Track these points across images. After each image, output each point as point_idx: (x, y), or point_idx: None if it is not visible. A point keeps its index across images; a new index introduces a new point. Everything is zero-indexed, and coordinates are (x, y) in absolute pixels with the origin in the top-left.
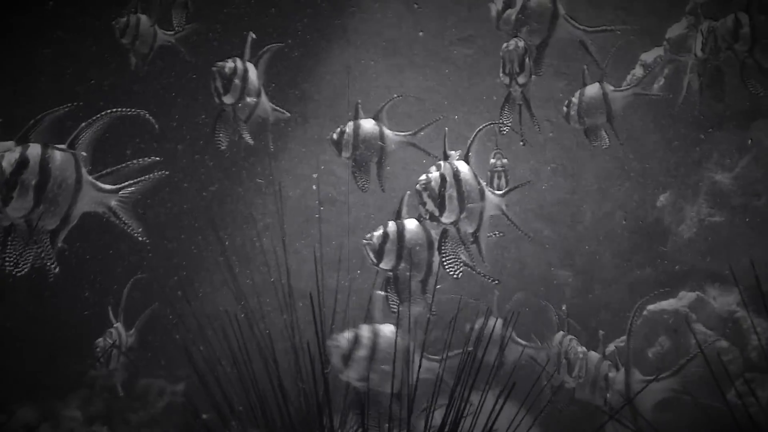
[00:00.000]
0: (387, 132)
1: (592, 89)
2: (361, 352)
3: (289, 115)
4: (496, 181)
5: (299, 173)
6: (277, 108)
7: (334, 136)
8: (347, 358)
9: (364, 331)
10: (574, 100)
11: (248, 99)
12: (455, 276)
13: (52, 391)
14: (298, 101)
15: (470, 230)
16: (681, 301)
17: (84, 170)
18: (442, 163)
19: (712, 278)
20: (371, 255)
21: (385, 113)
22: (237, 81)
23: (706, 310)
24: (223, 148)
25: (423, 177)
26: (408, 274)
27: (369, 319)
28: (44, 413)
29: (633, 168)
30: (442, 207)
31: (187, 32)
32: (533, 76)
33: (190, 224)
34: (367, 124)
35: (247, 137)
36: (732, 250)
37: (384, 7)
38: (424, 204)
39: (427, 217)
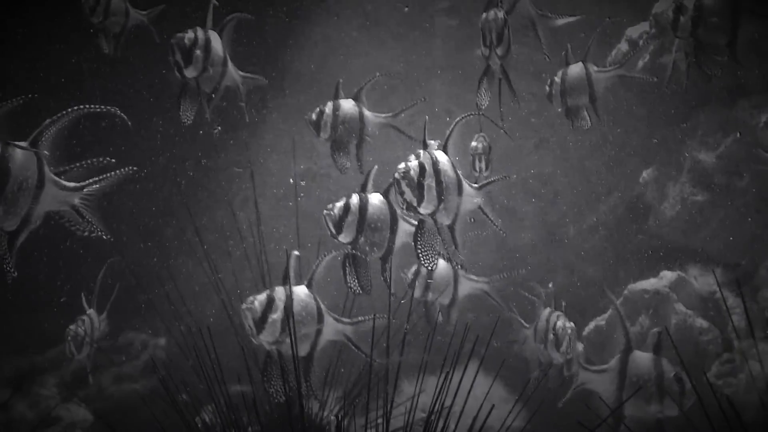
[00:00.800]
0: (367, 113)
1: (575, 69)
2: (275, 315)
3: (265, 81)
4: (477, 164)
5: (278, 147)
6: (248, 75)
7: (313, 116)
8: (262, 321)
9: (279, 293)
10: (557, 79)
11: (212, 70)
12: (429, 268)
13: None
14: (277, 72)
15: (446, 222)
16: (662, 281)
17: (47, 169)
18: (421, 152)
19: (693, 257)
20: (330, 226)
21: (365, 93)
22: (198, 52)
23: (687, 289)
24: (188, 123)
25: (402, 165)
26: (368, 248)
27: (285, 280)
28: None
29: (617, 143)
30: (420, 197)
31: (160, 11)
32: (513, 48)
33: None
34: (347, 105)
35: (209, 114)
36: (714, 230)
37: None
38: (402, 193)
39: (404, 207)
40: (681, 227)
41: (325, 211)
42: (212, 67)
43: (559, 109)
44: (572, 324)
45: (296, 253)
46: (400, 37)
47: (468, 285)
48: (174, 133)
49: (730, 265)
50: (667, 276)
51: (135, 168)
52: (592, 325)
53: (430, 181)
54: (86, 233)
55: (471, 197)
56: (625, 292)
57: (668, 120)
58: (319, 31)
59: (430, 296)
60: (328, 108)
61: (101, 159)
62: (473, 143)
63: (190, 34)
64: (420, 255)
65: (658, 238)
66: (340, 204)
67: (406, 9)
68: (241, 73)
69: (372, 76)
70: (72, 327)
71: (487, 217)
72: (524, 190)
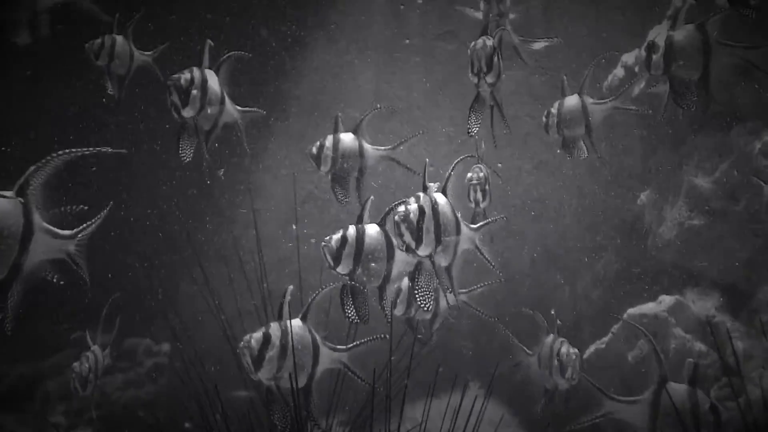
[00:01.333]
0: (367, 146)
1: (572, 101)
2: (272, 352)
3: (263, 112)
4: (472, 194)
5: (280, 172)
6: (247, 108)
7: (314, 150)
8: (259, 359)
9: (274, 329)
10: (553, 110)
11: (209, 109)
12: (426, 309)
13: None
14: (278, 99)
15: (444, 264)
16: (660, 305)
17: (37, 217)
18: (420, 194)
19: (691, 281)
20: (329, 258)
21: (364, 125)
22: (195, 91)
23: (686, 313)
24: (188, 160)
25: (402, 208)
26: (365, 279)
27: (280, 314)
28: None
29: (614, 164)
30: (419, 240)
31: (165, 51)
32: (503, 76)
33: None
34: (347, 138)
35: (207, 153)
36: (710, 254)
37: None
38: (401, 235)
39: (404, 248)
40: (678, 251)
41: (322, 244)
42: (210, 105)
43: (556, 137)
44: (576, 350)
45: (291, 287)
46: (400, 62)
47: (449, 296)
48: (176, 167)
49: (728, 289)
50: (666, 300)
51: (111, 203)
52: (592, 348)
53: (428, 225)
54: (62, 282)
55: (468, 238)
56: (624, 316)
57: (665, 143)
58: (319, 57)
59: (413, 312)
60: (329, 142)
61: (75, 207)
62: (469, 174)
63: (186, 75)
64: (417, 296)
65: (655, 261)
66: (337, 236)
67: (407, 41)
68: (239, 107)
69: (371, 108)
70: (76, 364)
71: (484, 257)
72: (523, 212)
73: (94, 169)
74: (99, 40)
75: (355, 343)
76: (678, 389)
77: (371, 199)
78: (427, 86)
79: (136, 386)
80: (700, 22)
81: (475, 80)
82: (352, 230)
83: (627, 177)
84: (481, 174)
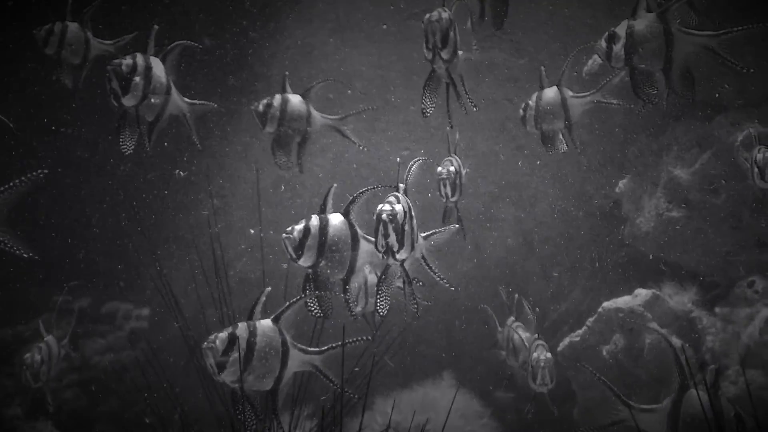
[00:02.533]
0: (314, 112)
1: (550, 93)
2: (235, 355)
3: (214, 106)
4: (442, 189)
5: (249, 155)
6: (196, 102)
7: (260, 107)
8: (223, 361)
9: (241, 330)
10: (531, 103)
11: (153, 99)
12: (382, 314)
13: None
14: (250, 80)
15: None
16: (636, 299)
17: None
18: (399, 195)
19: (668, 275)
20: (290, 250)
21: (314, 93)
22: (137, 79)
23: (662, 307)
24: (128, 153)
25: (387, 207)
26: (329, 271)
27: (250, 316)
28: None
29: (593, 150)
30: (401, 243)
31: (130, 40)
32: (461, 53)
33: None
34: (295, 100)
35: (149, 146)
36: (689, 247)
37: None
38: (387, 236)
39: (383, 251)
40: (656, 243)
41: (284, 235)
42: (153, 95)
43: (534, 131)
44: (549, 355)
45: (269, 289)
46: (375, 42)
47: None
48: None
49: (705, 283)
50: (642, 294)
51: (43, 172)
52: (566, 341)
53: (408, 227)
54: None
55: (418, 247)
56: (600, 309)
57: (645, 131)
58: (292, 35)
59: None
60: (276, 101)
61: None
62: (439, 168)
63: (128, 60)
64: (378, 300)
65: (632, 252)
66: (299, 227)
67: (384, 27)
68: (188, 100)
69: (325, 78)
70: (28, 355)
71: (430, 269)
72: (500, 197)
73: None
74: (48, 26)
75: (330, 346)
76: (698, 398)
77: (334, 186)
78: (401, 66)
79: (116, 351)
80: (662, 11)
81: (430, 56)
82: (315, 220)
83: (605, 163)
84: (452, 168)
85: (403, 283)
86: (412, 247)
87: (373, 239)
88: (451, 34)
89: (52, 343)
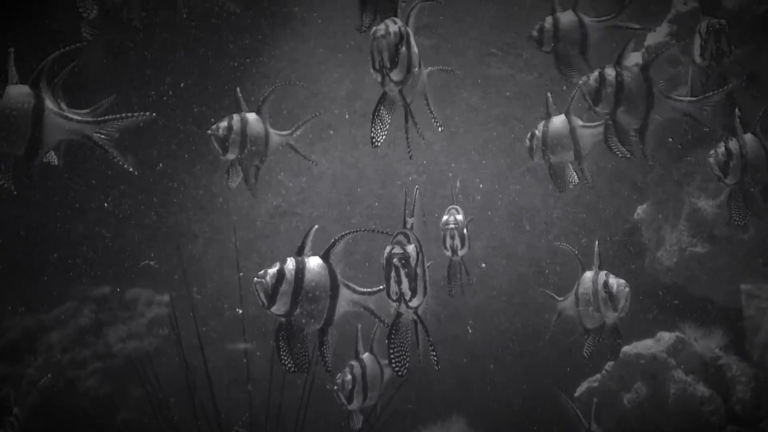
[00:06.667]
0: (270, 130)
1: (558, 122)
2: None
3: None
4: (449, 240)
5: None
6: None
7: (220, 132)
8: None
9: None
10: (538, 133)
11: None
12: (400, 374)
13: None
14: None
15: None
16: (659, 343)
17: (49, 101)
18: (408, 233)
19: (693, 315)
20: (261, 296)
21: (267, 106)
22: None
23: (687, 352)
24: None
25: (398, 250)
26: (303, 321)
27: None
28: None
29: (611, 173)
30: (414, 290)
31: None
32: (416, 70)
33: None
34: (253, 119)
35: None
36: (715, 284)
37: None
38: (400, 282)
39: (395, 299)
40: (679, 279)
41: (255, 279)
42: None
43: (542, 162)
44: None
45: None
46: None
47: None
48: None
49: (733, 324)
50: (665, 338)
51: (153, 114)
52: (584, 385)
53: (420, 270)
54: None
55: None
56: (619, 354)
57: (667, 156)
58: (286, 53)
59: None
60: (236, 123)
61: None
62: (445, 217)
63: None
64: (392, 355)
65: (653, 288)
66: (272, 270)
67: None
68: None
69: (275, 85)
70: None
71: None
72: (510, 222)
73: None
74: None
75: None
76: None
77: (315, 227)
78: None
79: (138, 338)
80: (644, 65)
81: (379, 78)
82: (290, 264)
83: (624, 187)
84: (459, 216)
85: (416, 330)
86: (425, 293)
87: (356, 287)
88: (403, 49)
89: (19, 416)
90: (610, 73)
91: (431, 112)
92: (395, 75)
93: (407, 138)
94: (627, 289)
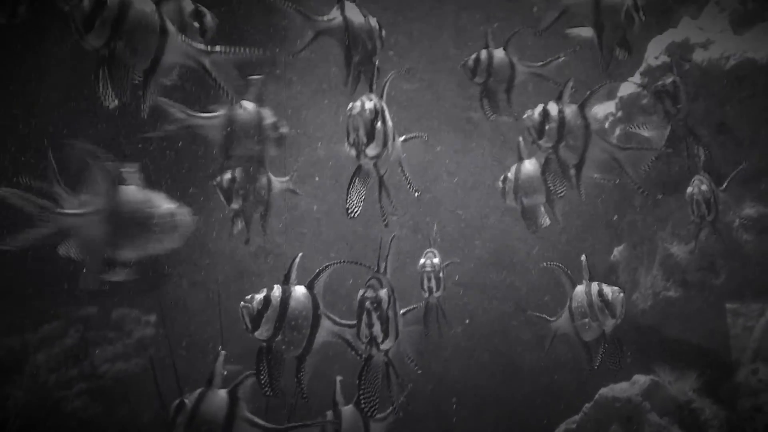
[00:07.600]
0: (273, 178)
1: (530, 165)
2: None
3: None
4: (426, 282)
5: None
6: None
7: (224, 182)
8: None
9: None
10: (510, 176)
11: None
12: (369, 413)
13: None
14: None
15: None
16: (634, 386)
17: (170, 25)
18: (382, 278)
19: (667, 357)
20: (247, 320)
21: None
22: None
23: (662, 395)
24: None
25: (371, 293)
26: (284, 347)
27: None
28: None
29: (587, 213)
30: (386, 332)
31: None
32: (392, 143)
33: None
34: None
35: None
36: (688, 327)
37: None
38: (371, 326)
39: (366, 341)
40: (653, 321)
41: (242, 304)
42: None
43: (514, 205)
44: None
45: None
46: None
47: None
48: None
49: (707, 367)
50: (640, 382)
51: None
52: (562, 427)
53: (392, 313)
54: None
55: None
56: (596, 396)
57: (642, 200)
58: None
59: None
60: (238, 173)
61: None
62: (422, 260)
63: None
64: (362, 394)
65: (628, 330)
66: (259, 296)
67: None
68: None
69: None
70: None
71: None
72: (491, 262)
73: None
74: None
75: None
76: None
77: (300, 255)
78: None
79: (124, 359)
80: (581, 103)
81: (353, 153)
82: (277, 291)
83: (600, 227)
84: (435, 260)
85: (387, 375)
86: (397, 336)
87: (336, 319)
88: (378, 125)
89: None
90: (552, 108)
91: (406, 178)
92: (371, 150)
93: (381, 208)
94: (621, 295)
